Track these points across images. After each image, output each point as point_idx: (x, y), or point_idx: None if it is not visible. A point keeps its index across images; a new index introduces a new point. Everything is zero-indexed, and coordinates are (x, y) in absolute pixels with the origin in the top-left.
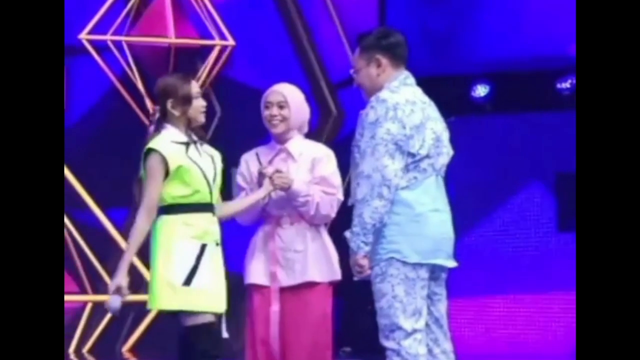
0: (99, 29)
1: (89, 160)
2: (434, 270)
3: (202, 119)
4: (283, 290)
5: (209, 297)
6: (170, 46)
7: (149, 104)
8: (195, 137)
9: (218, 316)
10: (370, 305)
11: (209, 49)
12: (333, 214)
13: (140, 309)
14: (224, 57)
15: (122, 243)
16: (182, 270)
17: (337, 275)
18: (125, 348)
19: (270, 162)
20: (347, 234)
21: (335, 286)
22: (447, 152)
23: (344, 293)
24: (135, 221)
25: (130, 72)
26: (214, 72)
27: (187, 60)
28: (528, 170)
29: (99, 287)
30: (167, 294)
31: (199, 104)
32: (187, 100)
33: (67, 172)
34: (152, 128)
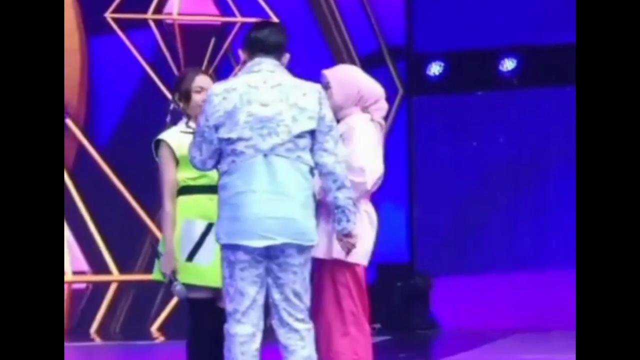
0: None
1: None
2: (273, 254)
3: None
4: None
5: (208, 273)
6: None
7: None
8: None
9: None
10: (400, 283)
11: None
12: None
13: (167, 289)
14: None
15: (149, 223)
16: (186, 247)
17: (334, 254)
18: (154, 327)
19: None
20: None
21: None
22: (284, 132)
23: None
24: (163, 209)
25: (167, 50)
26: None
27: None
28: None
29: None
30: None
31: (198, 98)
32: (186, 95)
33: (99, 158)
34: (168, 118)
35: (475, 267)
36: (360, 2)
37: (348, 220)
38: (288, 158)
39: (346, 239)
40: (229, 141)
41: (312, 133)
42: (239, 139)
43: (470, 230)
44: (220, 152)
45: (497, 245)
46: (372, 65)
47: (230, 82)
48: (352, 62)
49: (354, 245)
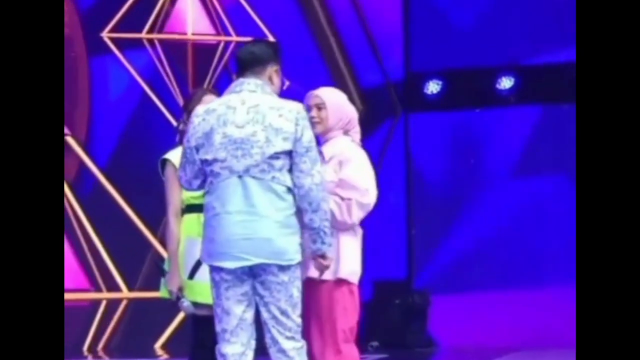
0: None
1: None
2: (256, 273)
3: None
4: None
5: (209, 290)
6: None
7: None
8: None
9: None
10: (398, 300)
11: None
12: (352, 218)
13: (172, 306)
14: None
15: (151, 239)
16: (188, 265)
17: (338, 274)
18: (158, 344)
19: None
20: None
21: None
22: (257, 153)
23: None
24: (168, 227)
25: (162, 69)
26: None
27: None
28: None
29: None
30: None
31: None
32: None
33: (100, 175)
34: (177, 137)
35: (474, 285)
36: (357, 20)
37: (323, 242)
38: (263, 179)
39: (320, 259)
40: (207, 162)
41: (289, 153)
42: (215, 160)
43: (468, 247)
44: (204, 172)
45: (496, 263)
46: (369, 84)
47: (213, 103)
48: (352, 81)
49: (327, 267)
